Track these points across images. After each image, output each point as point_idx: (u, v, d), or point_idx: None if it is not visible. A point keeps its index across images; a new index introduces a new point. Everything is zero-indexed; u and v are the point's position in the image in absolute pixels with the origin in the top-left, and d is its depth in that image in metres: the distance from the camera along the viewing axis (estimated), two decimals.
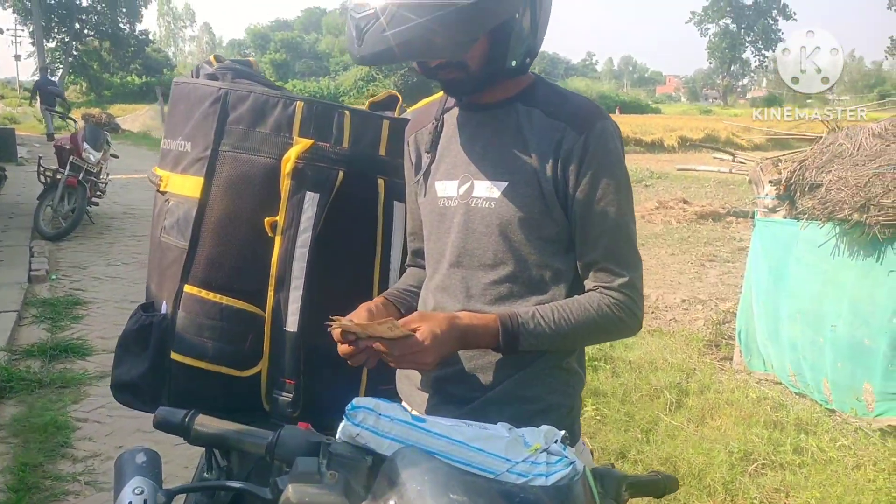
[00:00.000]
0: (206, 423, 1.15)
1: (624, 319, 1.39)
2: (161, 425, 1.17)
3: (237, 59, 1.83)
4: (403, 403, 1.59)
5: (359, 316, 1.43)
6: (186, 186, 1.71)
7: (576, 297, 1.41)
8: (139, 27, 48.18)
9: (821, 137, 4.99)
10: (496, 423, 1.20)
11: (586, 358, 1.60)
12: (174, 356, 1.70)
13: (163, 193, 1.79)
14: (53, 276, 6.62)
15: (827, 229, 4.32)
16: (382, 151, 1.71)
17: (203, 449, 2.13)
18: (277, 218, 1.65)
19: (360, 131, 1.70)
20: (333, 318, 1.29)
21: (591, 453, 2.57)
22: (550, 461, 1.05)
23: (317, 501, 0.98)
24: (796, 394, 4.41)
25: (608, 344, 5.02)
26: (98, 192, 9.11)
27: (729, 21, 76.54)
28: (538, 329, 1.34)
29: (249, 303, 1.69)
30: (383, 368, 1.76)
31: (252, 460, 1.72)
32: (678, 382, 4.33)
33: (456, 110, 1.49)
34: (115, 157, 9.73)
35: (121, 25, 46.53)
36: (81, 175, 8.36)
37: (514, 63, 1.36)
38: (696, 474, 3.18)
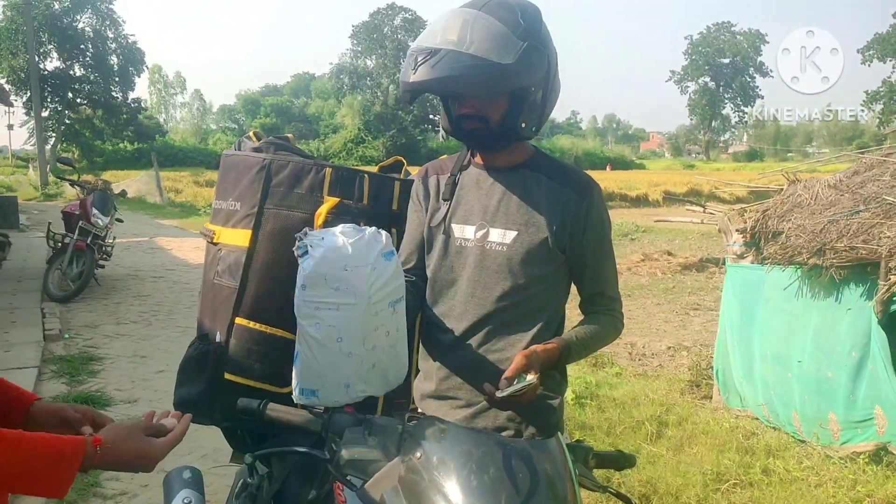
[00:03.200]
0: (276, 409, 1.52)
1: (621, 326, 1.94)
2: (242, 411, 1.54)
3: (278, 135, 2.24)
4: (420, 410, 1.97)
5: None
6: (237, 238, 2.11)
7: (592, 318, 1.89)
8: (131, 95, 49.14)
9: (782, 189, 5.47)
10: (496, 423, 1.61)
11: (573, 395, 2.01)
12: (227, 376, 2.07)
13: (215, 244, 2.19)
14: (67, 335, 6.94)
15: (789, 273, 4.72)
16: (395, 207, 2.12)
17: (238, 469, 2.48)
18: None
19: (377, 191, 2.11)
20: (494, 397, 1.58)
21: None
22: None
23: (362, 457, 1.35)
24: (770, 427, 4.75)
25: (594, 382, 5.38)
26: (104, 256, 9.47)
27: (708, 79, 78.65)
28: (579, 346, 1.81)
29: (289, 331, 2.06)
30: None
31: (289, 465, 2.08)
32: (659, 415, 4.68)
33: (473, 169, 1.91)
34: (120, 221, 10.13)
35: (113, 94, 47.42)
36: (90, 239, 8.73)
37: (523, 125, 1.78)
38: (674, 493, 3.51)
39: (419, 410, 1.94)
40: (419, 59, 1.67)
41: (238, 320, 2.09)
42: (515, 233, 1.80)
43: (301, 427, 1.50)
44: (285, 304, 2.08)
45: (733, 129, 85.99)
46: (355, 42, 67.14)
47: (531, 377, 1.57)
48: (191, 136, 72.77)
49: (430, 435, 1.32)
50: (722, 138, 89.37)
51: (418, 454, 1.30)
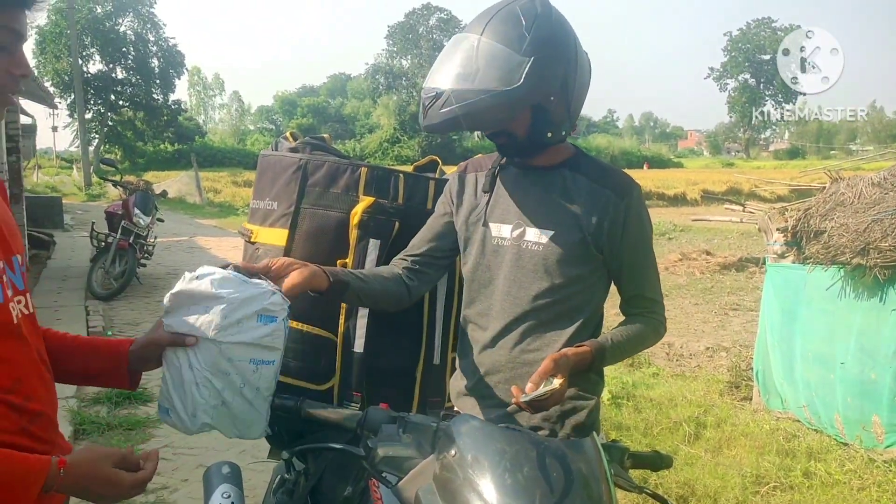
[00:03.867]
0: (312, 406, 1.54)
1: (662, 330, 1.91)
2: (279, 408, 1.56)
3: (314, 135, 2.26)
4: (455, 408, 1.98)
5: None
6: (274, 237, 2.13)
7: (631, 320, 1.88)
8: (172, 97, 50.07)
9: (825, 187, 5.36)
10: (530, 422, 1.61)
11: (609, 395, 2.01)
12: None
13: (253, 243, 2.21)
14: (109, 333, 7.09)
15: (832, 273, 4.63)
16: (429, 206, 2.13)
17: (275, 465, 2.52)
18: (347, 260, 2.06)
19: (412, 190, 2.12)
20: (517, 403, 1.59)
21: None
22: None
23: (397, 454, 1.36)
24: (812, 429, 4.66)
25: (631, 383, 5.33)
26: (146, 255, 9.67)
27: (748, 76, 77.43)
28: (615, 349, 1.79)
29: (324, 329, 2.09)
30: (431, 382, 2.17)
31: (325, 461, 2.10)
32: (697, 416, 4.62)
33: (511, 168, 1.91)
34: (161, 220, 10.33)
35: (154, 96, 48.36)
36: (132, 238, 8.93)
37: (549, 135, 1.78)
38: (712, 495, 3.47)
39: (454, 408, 1.95)
40: (426, 102, 1.71)
41: None
42: (552, 232, 1.80)
43: (337, 424, 1.52)
44: (321, 302, 2.10)
45: (774, 127, 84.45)
46: (391, 42, 67.53)
47: (557, 382, 1.56)
48: (229, 136, 73.82)
49: (465, 433, 1.32)
50: (762, 136, 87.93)
51: (453, 452, 1.30)
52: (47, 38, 43.17)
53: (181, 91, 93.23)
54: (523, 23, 1.66)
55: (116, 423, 4.71)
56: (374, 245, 2.06)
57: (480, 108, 1.64)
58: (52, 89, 35.21)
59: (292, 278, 1.62)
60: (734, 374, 5.89)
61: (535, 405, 1.57)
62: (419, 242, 1.99)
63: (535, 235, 1.81)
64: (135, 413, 4.94)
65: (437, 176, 2.26)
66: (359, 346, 2.07)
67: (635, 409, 4.84)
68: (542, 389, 1.54)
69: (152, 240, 9.84)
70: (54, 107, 21.97)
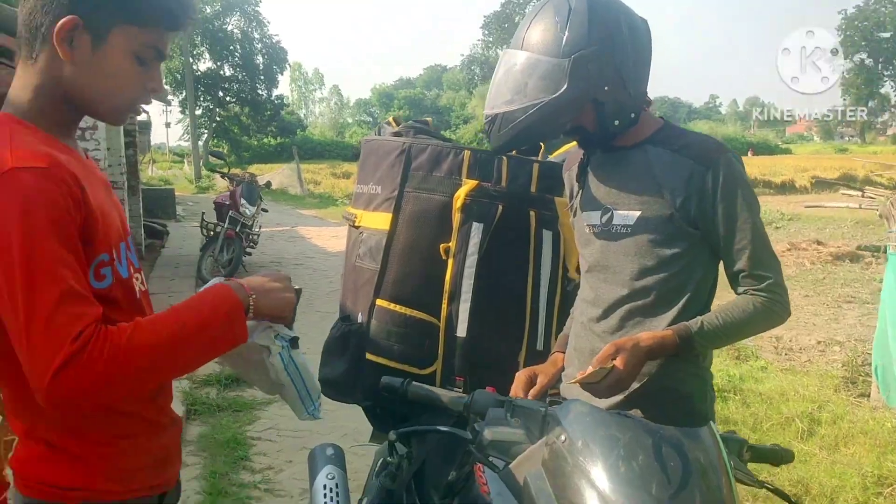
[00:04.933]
0: (419, 388, 1.53)
1: (777, 311, 1.69)
2: (385, 389, 1.57)
3: (417, 119, 2.27)
4: (561, 394, 1.94)
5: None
6: (377, 221, 2.15)
7: (737, 300, 1.71)
8: (275, 92, 51.71)
9: None
10: (640, 412, 1.56)
11: (715, 391, 1.90)
12: (369, 356, 2.13)
13: (357, 228, 2.24)
14: None
15: None
16: (533, 189, 2.09)
17: (377, 448, 2.54)
18: (450, 244, 2.05)
19: (516, 173, 2.09)
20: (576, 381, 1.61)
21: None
22: None
23: (505, 438, 1.34)
24: None
25: (737, 376, 5.12)
26: (251, 244, 10.03)
27: (864, 56, 72.97)
28: (710, 333, 1.66)
29: (427, 313, 2.09)
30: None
31: (429, 445, 2.10)
32: (810, 412, 4.39)
33: (598, 153, 1.84)
34: (265, 211, 10.68)
35: (258, 92, 50.05)
36: (238, 228, 9.28)
37: (616, 123, 1.71)
38: (828, 495, 3.29)
39: (559, 395, 1.90)
40: (486, 128, 1.74)
41: (379, 302, 2.13)
42: (638, 213, 1.71)
43: (443, 406, 1.51)
44: (424, 286, 2.11)
45: (893, 110, 79.40)
46: (486, 32, 67.29)
47: (613, 364, 1.54)
48: (329, 130, 75.62)
49: (574, 418, 1.28)
50: (879, 119, 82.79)
51: (563, 438, 1.26)
52: None
53: (283, 86, 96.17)
54: (557, 23, 1.64)
55: (225, 405, 4.89)
56: (476, 228, 2.04)
57: (530, 124, 1.66)
58: (166, 87, 36.95)
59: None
60: (850, 369, 5.57)
61: (590, 388, 1.56)
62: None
63: (622, 219, 1.73)
64: (242, 396, 5.12)
65: (539, 159, 2.22)
66: (461, 330, 2.06)
67: (743, 404, 4.64)
68: (591, 371, 1.54)
69: (257, 229, 10.18)
70: (168, 102, 23.07)
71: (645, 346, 1.61)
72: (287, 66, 53.65)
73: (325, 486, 2.07)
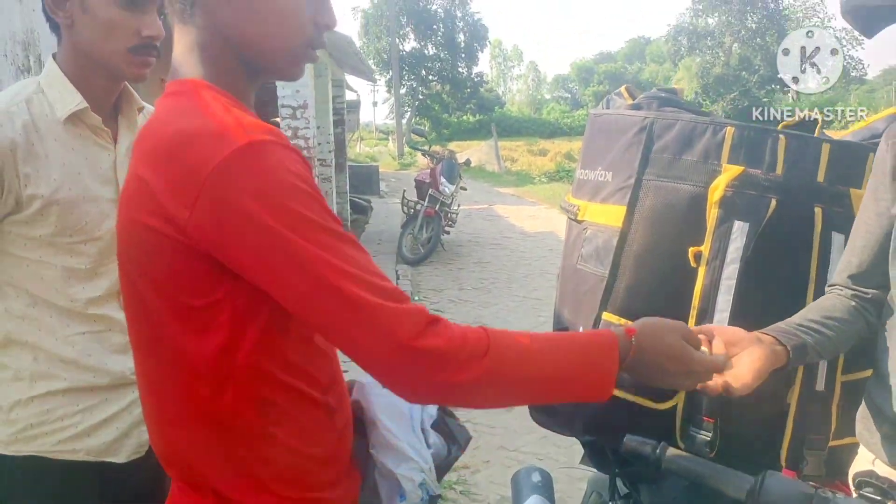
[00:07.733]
0: (677, 457, 1.12)
1: None
2: (631, 454, 1.18)
3: (662, 87, 1.82)
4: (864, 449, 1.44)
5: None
6: (607, 215, 1.73)
7: None
8: (475, 70, 52.28)
9: None
10: None
11: None
12: None
13: (579, 222, 1.83)
14: (417, 297, 7.34)
15: None
16: (821, 178, 1.58)
17: (590, 476, 2.16)
18: (702, 248, 1.59)
19: (796, 156, 1.58)
20: None
21: None
22: None
23: None
24: None
25: None
26: (450, 222, 9.97)
27: None
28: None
29: None
30: (811, 412, 1.63)
31: (666, 496, 1.68)
32: None
33: None
34: (465, 189, 10.58)
35: (459, 69, 50.85)
36: (437, 206, 9.25)
37: None
38: None
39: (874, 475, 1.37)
40: None
41: (605, 315, 1.71)
42: None
43: (713, 487, 1.09)
44: (666, 299, 1.66)
45: None
46: (696, 0, 63.54)
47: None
48: (526, 106, 75.33)
49: None
50: None
51: None
52: (370, 21, 47.44)
53: (483, 64, 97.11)
54: None
55: None
56: (740, 229, 1.56)
57: None
58: (373, 67, 38.69)
59: (748, 374, 1.28)
60: None
61: None
62: (858, 261, 1.48)
63: None
64: None
65: (828, 136, 1.69)
66: None
67: None
68: None
69: (456, 207, 10.11)
70: (374, 80, 23.97)
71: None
72: (487, 43, 53.97)
73: None
